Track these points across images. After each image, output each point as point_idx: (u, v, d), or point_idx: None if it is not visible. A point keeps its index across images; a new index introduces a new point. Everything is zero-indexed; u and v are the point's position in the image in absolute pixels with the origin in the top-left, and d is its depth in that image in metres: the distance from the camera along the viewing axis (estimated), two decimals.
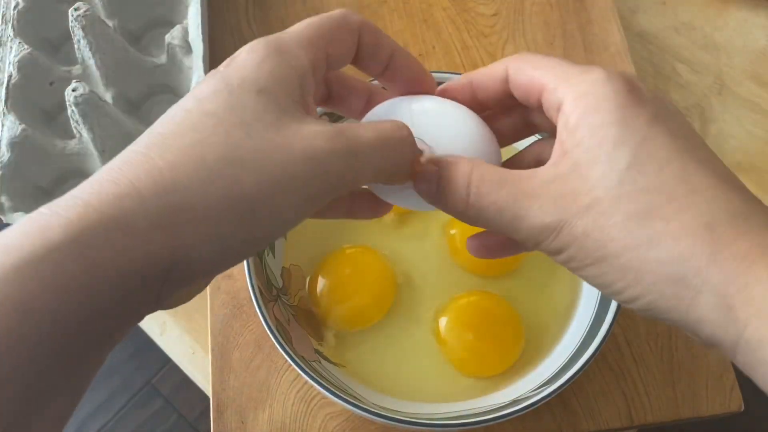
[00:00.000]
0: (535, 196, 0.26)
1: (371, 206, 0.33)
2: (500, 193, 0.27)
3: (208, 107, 0.25)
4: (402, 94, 0.33)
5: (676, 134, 0.25)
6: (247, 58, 0.26)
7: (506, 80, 0.30)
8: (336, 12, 0.29)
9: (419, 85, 0.33)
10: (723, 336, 0.23)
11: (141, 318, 0.24)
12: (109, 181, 0.23)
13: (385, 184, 0.30)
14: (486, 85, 0.31)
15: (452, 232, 0.47)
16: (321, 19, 0.29)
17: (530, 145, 0.34)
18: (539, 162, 0.28)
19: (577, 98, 0.26)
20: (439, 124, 0.31)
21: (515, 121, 0.32)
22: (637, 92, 0.26)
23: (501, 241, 0.33)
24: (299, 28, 0.28)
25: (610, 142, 0.25)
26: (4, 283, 0.21)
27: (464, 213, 0.28)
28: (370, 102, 0.33)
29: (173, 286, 0.24)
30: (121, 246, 0.22)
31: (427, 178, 0.29)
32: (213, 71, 0.27)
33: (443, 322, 0.44)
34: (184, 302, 0.28)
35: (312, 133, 0.25)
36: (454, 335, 0.44)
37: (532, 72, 0.29)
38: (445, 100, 0.33)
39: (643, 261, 0.24)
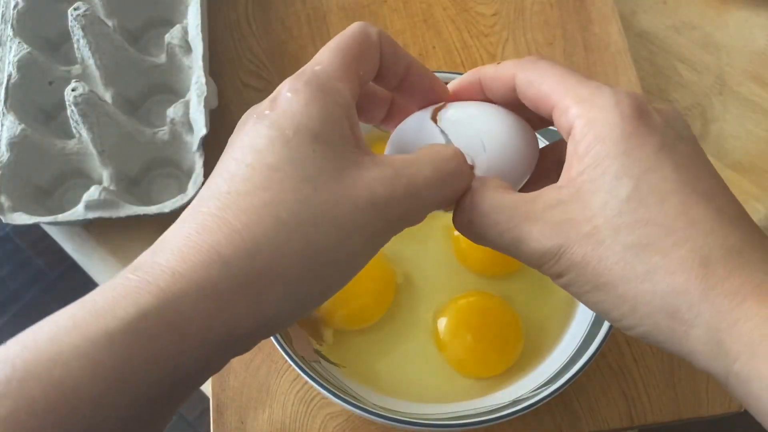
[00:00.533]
0: (537, 220, 0.26)
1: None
2: (500, 216, 0.27)
3: (270, 161, 0.25)
4: (418, 106, 0.33)
5: (681, 165, 0.25)
6: (294, 101, 0.26)
7: (514, 88, 0.30)
8: (356, 28, 0.29)
9: (434, 95, 0.32)
10: (715, 368, 0.24)
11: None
12: (190, 247, 0.23)
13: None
14: (494, 88, 0.31)
15: (457, 233, 0.47)
16: (345, 40, 0.28)
17: (553, 144, 0.34)
18: (560, 162, 0.28)
19: (586, 125, 0.26)
20: (477, 132, 0.31)
21: (530, 116, 0.32)
22: (646, 118, 0.26)
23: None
24: (330, 57, 0.28)
25: (612, 173, 0.25)
26: (98, 348, 0.21)
27: (466, 231, 0.29)
28: (393, 110, 0.33)
29: (252, 344, 0.25)
30: (207, 315, 0.23)
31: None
32: (257, 114, 0.26)
33: (442, 323, 0.44)
34: None
35: (373, 180, 0.25)
36: (453, 336, 0.44)
37: (540, 87, 0.29)
38: (472, 103, 0.32)
39: (639, 293, 0.24)
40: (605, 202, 0.25)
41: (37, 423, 0.20)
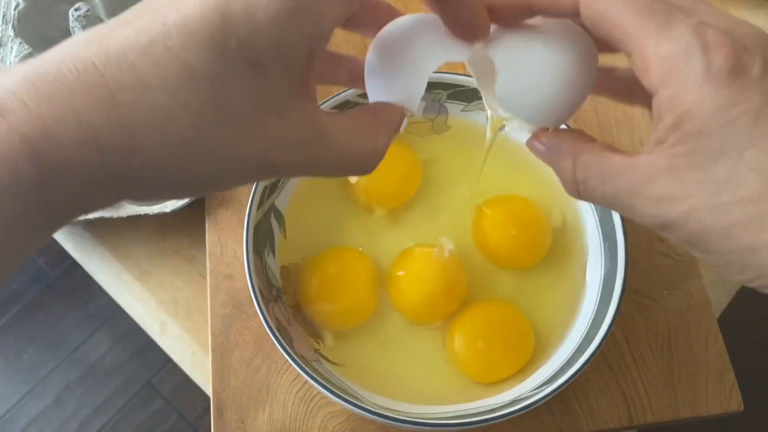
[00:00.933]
0: (637, 195, 0.26)
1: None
2: (605, 190, 0.27)
3: (193, 62, 0.22)
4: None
5: None
6: (262, 11, 0.23)
7: (576, 8, 0.27)
8: None
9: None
10: None
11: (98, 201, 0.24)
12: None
13: None
14: (548, 7, 0.28)
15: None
16: None
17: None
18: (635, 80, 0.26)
19: (672, 98, 0.24)
20: (536, 65, 0.27)
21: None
22: (742, 76, 0.24)
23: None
24: None
25: (707, 153, 0.24)
26: None
27: (574, 194, 0.29)
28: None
29: (134, 185, 0.24)
30: (59, 104, 0.22)
31: (539, 151, 0.30)
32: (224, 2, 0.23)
33: (454, 330, 0.44)
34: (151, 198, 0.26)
35: (277, 139, 0.24)
36: (465, 344, 0.44)
37: (607, 12, 0.25)
38: (523, 27, 0.28)
39: (746, 265, 0.24)
40: (700, 181, 0.24)
41: None
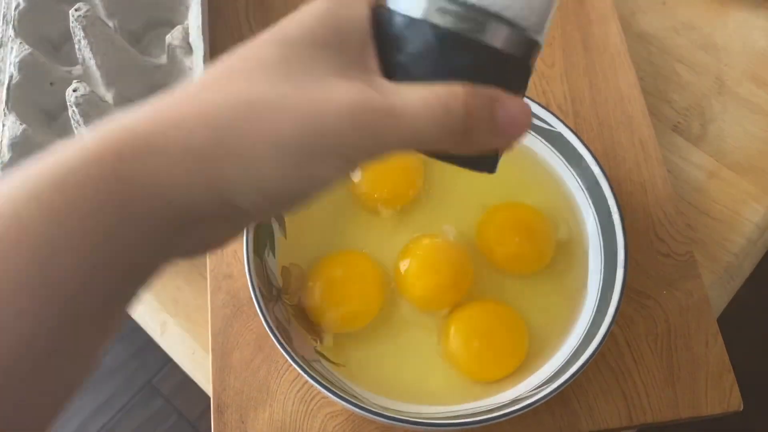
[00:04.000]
0: None
1: None
2: None
3: (262, 55, 0.25)
4: None
5: None
6: (308, 9, 0.26)
7: None
8: None
9: None
10: None
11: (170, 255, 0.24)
12: (147, 109, 0.23)
13: None
14: None
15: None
16: None
17: None
18: None
19: None
20: None
21: None
22: None
23: None
24: None
25: None
26: (44, 189, 0.21)
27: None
28: None
29: (215, 235, 0.24)
30: (153, 170, 0.22)
31: None
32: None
33: (449, 330, 0.44)
34: (218, 247, 0.27)
35: (347, 97, 0.24)
36: (461, 343, 0.44)
37: None
38: None
39: None
40: None
41: None
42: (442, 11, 0.26)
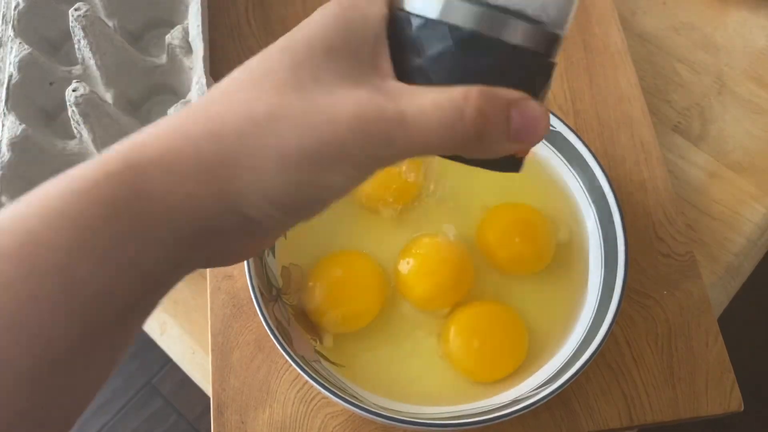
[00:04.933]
0: None
1: None
2: None
3: (271, 66, 0.25)
4: None
5: None
6: (317, 16, 0.26)
7: None
8: None
9: None
10: None
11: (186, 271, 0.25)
12: (160, 127, 0.24)
13: None
14: None
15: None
16: None
17: None
18: None
19: None
20: None
21: None
22: None
23: None
24: None
25: None
26: (62, 203, 0.22)
27: None
28: None
29: (227, 249, 0.25)
30: (169, 187, 0.23)
31: None
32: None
33: (449, 330, 0.44)
34: (239, 260, 0.28)
35: (356, 108, 0.24)
36: (461, 343, 0.44)
37: None
38: None
39: None
40: None
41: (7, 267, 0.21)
42: (459, 11, 0.25)
